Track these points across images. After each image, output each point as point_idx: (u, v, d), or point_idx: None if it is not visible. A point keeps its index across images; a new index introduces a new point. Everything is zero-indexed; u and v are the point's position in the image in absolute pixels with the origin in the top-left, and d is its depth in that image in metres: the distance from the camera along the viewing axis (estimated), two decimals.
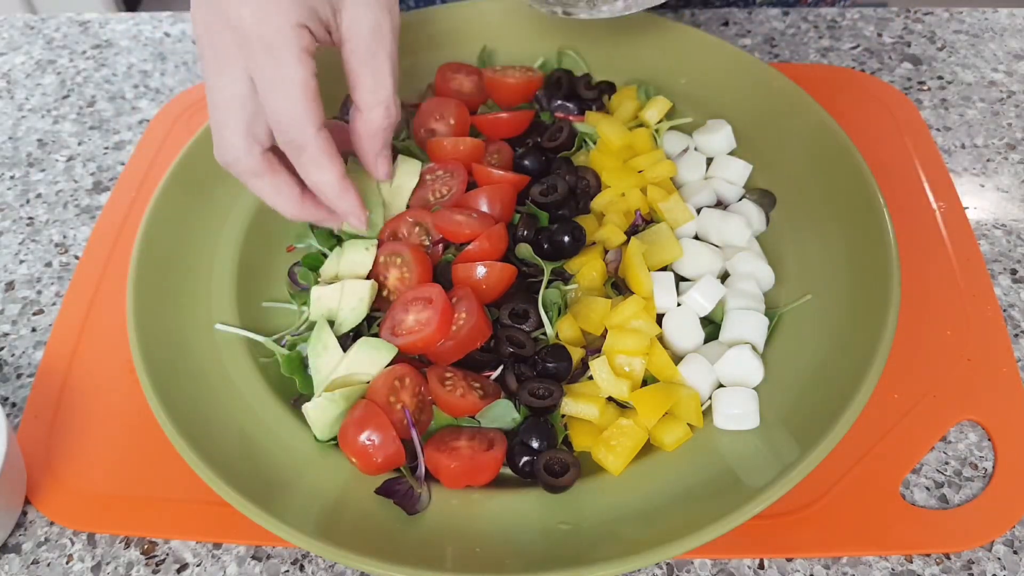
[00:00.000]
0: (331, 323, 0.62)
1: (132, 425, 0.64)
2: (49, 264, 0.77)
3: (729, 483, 0.54)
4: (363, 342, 0.59)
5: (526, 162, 0.73)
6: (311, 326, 0.64)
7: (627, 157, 0.73)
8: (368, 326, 0.64)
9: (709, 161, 0.74)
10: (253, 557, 0.58)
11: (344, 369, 0.59)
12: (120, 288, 0.71)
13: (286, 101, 0.53)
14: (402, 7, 0.99)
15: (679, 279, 0.66)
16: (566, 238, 0.64)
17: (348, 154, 0.67)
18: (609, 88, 0.79)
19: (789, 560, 0.57)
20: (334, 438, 0.58)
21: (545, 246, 0.65)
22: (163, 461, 0.61)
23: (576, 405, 0.58)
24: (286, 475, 0.56)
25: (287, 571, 0.57)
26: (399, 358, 0.60)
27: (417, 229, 0.68)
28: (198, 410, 0.58)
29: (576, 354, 0.61)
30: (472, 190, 0.69)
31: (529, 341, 0.61)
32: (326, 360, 0.60)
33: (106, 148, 0.87)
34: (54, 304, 0.74)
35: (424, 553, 0.52)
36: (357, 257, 0.66)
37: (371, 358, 0.59)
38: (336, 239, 0.70)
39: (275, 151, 0.58)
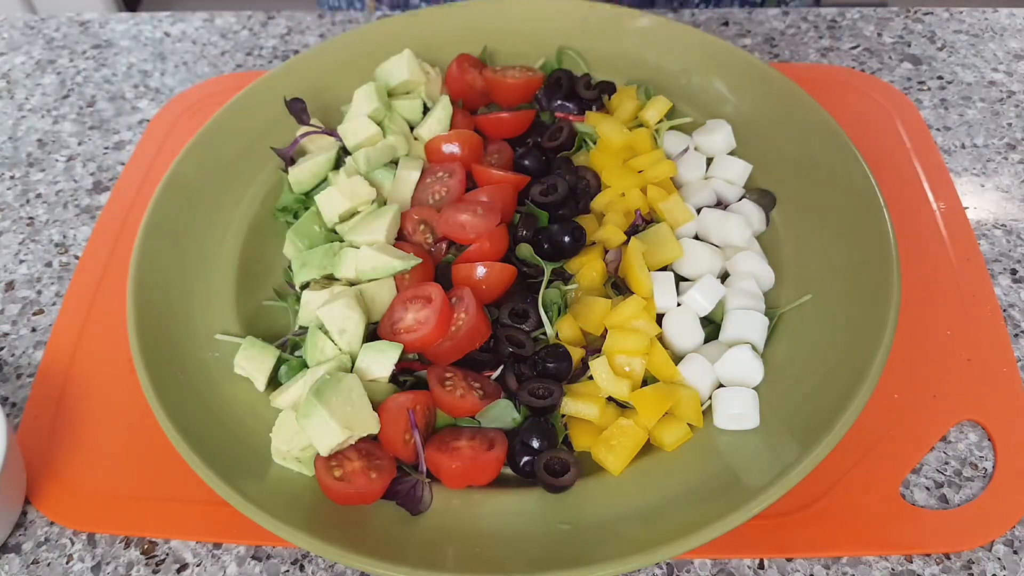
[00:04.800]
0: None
1: (132, 425, 0.64)
2: (49, 264, 0.77)
3: (729, 483, 0.54)
4: (367, 348, 0.59)
5: (526, 162, 0.73)
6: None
7: (627, 157, 0.73)
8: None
9: (709, 161, 0.74)
10: (253, 557, 0.58)
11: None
12: (120, 288, 0.71)
13: None
14: (404, 7, 0.99)
15: (679, 279, 0.65)
16: (566, 238, 0.64)
17: None
18: (609, 88, 0.79)
19: (789, 560, 0.57)
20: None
21: (545, 246, 0.65)
22: (163, 461, 0.61)
23: (576, 405, 0.58)
24: (287, 475, 0.56)
25: (287, 571, 0.57)
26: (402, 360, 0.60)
27: (422, 227, 0.68)
28: (198, 410, 0.58)
29: (576, 354, 0.61)
30: (472, 190, 0.69)
31: (529, 341, 0.61)
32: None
33: (106, 148, 0.87)
34: (54, 304, 0.74)
35: (424, 553, 0.52)
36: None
37: (379, 361, 0.59)
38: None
39: None
